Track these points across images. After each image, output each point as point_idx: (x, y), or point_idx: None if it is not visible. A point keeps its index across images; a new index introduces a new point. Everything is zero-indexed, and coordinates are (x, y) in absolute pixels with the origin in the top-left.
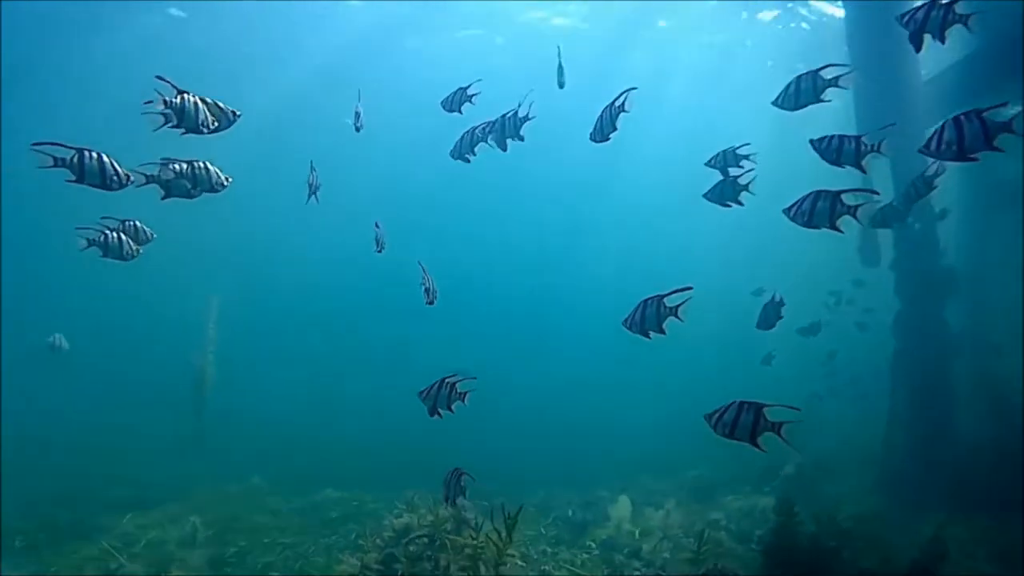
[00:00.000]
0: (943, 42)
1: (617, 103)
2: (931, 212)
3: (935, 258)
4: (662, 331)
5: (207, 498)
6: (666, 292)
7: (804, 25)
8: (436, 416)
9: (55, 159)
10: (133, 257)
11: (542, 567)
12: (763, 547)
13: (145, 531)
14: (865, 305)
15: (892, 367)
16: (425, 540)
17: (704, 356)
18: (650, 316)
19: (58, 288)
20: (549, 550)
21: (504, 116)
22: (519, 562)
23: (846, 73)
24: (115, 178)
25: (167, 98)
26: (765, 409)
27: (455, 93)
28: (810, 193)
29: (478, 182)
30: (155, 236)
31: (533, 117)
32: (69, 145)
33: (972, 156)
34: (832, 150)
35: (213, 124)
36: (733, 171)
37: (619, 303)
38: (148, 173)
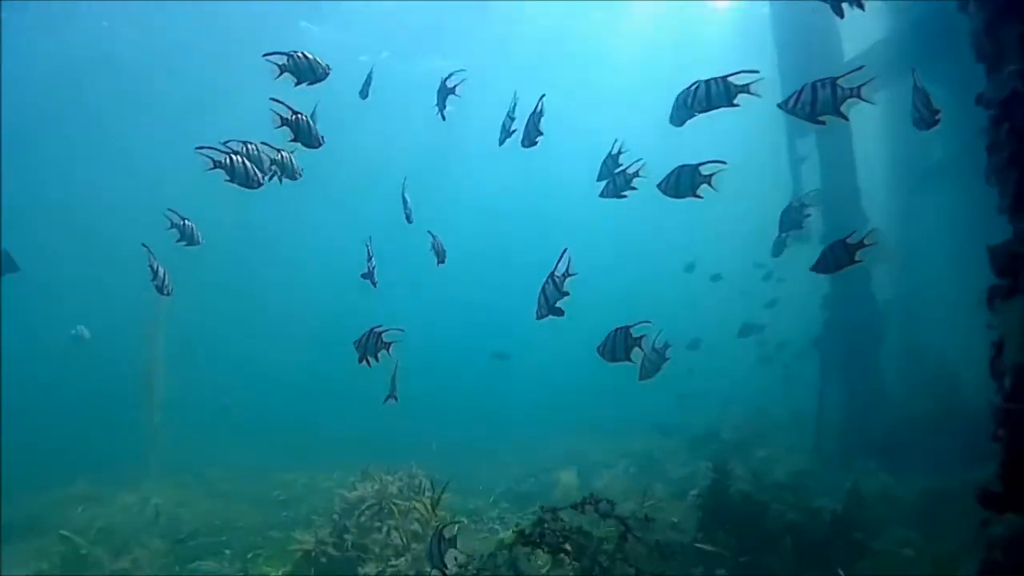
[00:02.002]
0: (863, 8)
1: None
2: (854, 187)
3: (861, 228)
4: (565, 293)
5: (161, 487)
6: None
7: None
8: (365, 364)
9: (214, 162)
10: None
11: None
12: (699, 503)
13: (99, 520)
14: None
15: (822, 336)
16: (376, 507)
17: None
18: (551, 293)
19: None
20: (495, 515)
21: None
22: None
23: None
24: (255, 178)
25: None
26: (632, 329)
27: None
28: (674, 169)
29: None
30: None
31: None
32: (222, 149)
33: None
34: (806, 104)
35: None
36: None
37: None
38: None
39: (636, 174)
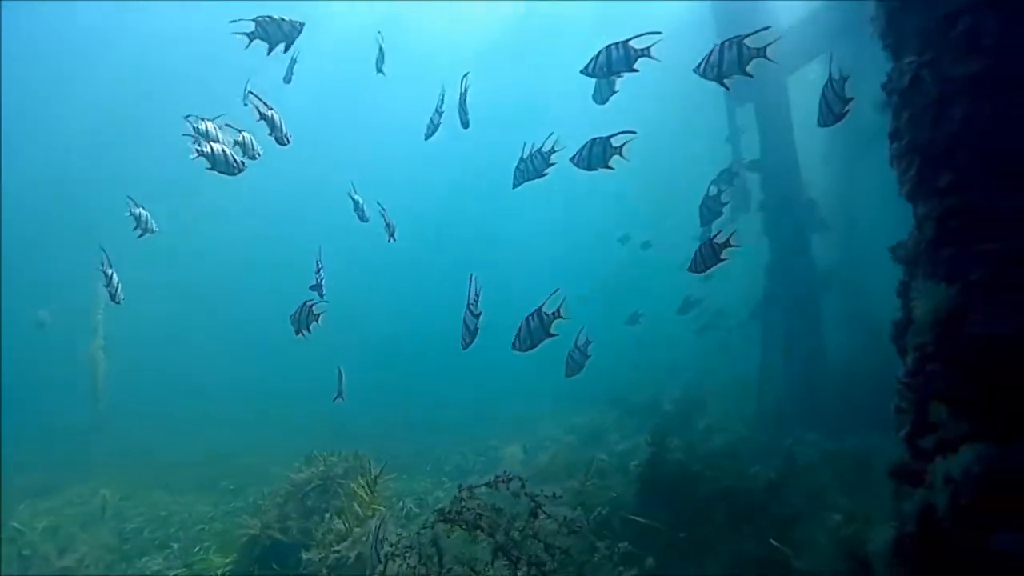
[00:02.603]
0: None
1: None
2: (792, 156)
3: (799, 196)
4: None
5: (110, 479)
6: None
7: None
8: (300, 336)
9: (198, 151)
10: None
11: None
12: (637, 474)
13: (47, 516)
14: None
15: (762, 304)
16: (320, 487)
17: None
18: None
19: None
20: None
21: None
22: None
23: (656, 42)
24: (235, 165)
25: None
26: (543, 308)
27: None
28: (586, 142)
29: None
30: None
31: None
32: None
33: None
34: (714, 66)
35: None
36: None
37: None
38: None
39: (552, 150)
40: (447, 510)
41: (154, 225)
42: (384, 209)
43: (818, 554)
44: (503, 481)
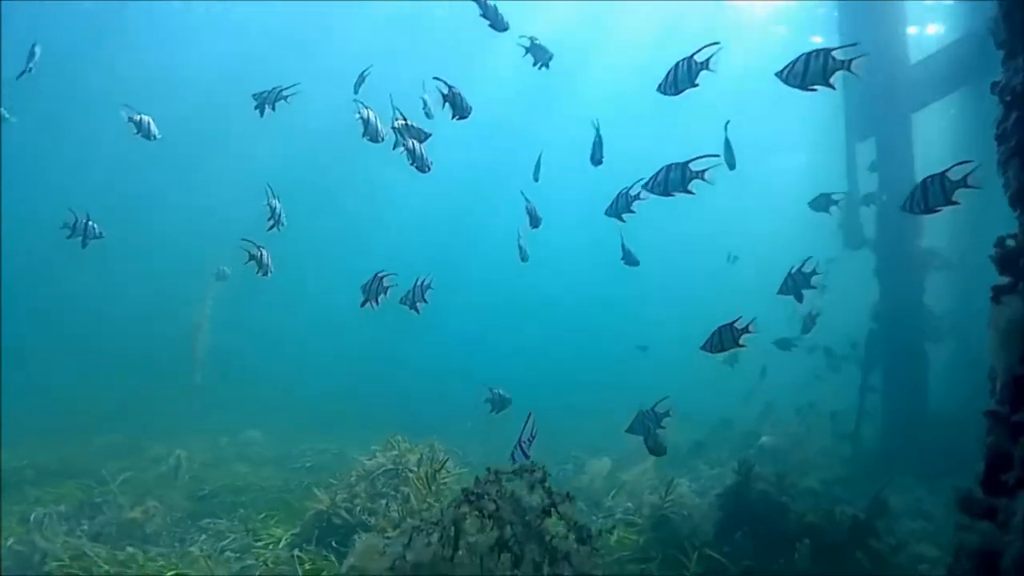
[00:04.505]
0: None
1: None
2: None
3: (916, 239)
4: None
5: (197, 446)
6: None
7: None
8: (370, 306)
9: (130, 118)
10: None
11: None
12: (719, 500)
13: (127, 472)
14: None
15: (867, 346)
16: (392, 471)
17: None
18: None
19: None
20: None
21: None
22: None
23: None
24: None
25: None
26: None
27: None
28: (662, 168)
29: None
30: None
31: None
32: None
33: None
34: (798, 74)
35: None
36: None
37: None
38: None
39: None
40: (471, 492)
41: (284, 218)
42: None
43: None
44: (528, 471)
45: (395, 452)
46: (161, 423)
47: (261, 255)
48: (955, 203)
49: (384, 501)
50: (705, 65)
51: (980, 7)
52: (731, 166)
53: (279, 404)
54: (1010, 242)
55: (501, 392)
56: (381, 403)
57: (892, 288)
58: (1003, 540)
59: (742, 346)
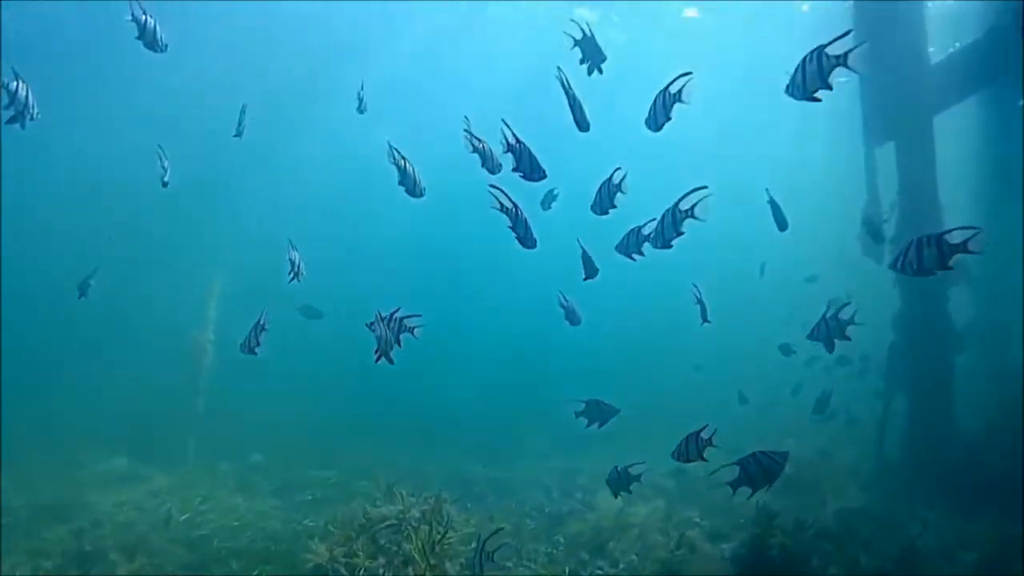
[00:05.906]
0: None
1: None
2: (934, 200)
3: None
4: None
5: (195, 476)
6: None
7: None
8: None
9: (133, 17)
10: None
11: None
12: (734, 557)
13: (122, 510)
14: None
15: (888, 358)
16: (394, 527)
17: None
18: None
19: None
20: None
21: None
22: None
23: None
24: (161, 43)
25: None
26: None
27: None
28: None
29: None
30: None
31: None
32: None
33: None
34: (797, 85)
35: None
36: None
37: None
38: None
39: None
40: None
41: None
42: None
43: None
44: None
45: (399, 506)
46: (163, 448)
47: (295, 260)
48: (949, 268)
49: (384, 559)
50: (678, 97)
51: (1001, 5)
52: (782, 227)
53: (282, 423)
54: None
55: (602, 402)
56: (389, 424)
57: (914, 298)
58: None
59: (704, 459)
